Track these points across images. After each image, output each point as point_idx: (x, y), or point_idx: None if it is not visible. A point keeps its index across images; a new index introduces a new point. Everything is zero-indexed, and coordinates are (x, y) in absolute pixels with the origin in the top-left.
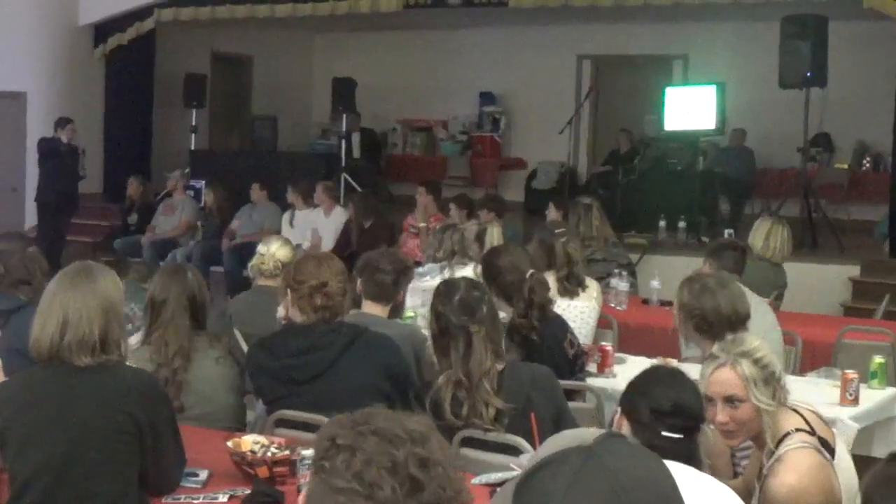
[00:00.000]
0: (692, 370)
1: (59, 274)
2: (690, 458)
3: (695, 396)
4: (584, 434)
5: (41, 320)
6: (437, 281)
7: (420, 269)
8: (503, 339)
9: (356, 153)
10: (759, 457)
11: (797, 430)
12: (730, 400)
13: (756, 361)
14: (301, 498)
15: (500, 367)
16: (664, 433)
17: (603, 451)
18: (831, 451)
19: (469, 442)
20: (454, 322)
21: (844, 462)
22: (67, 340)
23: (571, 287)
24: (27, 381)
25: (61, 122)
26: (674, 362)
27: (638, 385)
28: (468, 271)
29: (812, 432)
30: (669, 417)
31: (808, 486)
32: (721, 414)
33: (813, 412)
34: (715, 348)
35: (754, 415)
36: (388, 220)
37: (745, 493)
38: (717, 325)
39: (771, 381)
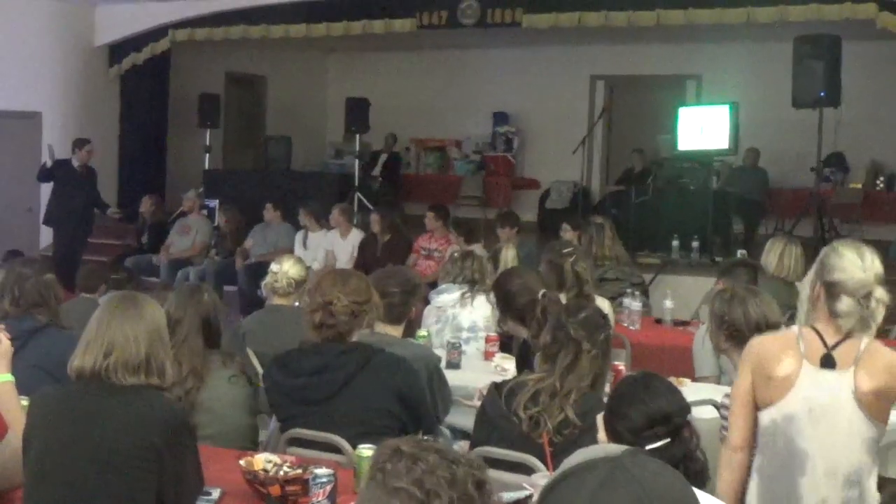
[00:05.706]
0: (707, 390)
1: (104, 303)
2: (688, 457)
3: (666, 398)
4: (611, 448)
5: (85, 345)
6: (453, 296)
7: (438, 288)
8: (607, 373)
9: (376, 172)
10: None
11: None
12: None
13: None
14: None
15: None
16: (649, 447)
17: (630, 462)
18: None
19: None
20: (571, 334)
21: None
22: (112, 361)
23: None
24: (62, 395)
25: (79, 143)
26: (687, 382)
27: (611, 410)
28: (485, 299)
29: None
30: (648, 430)
31: None
32: None
33: None
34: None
35: None
36: (406, 236)
37: None
38: (747, 332)
39: None
